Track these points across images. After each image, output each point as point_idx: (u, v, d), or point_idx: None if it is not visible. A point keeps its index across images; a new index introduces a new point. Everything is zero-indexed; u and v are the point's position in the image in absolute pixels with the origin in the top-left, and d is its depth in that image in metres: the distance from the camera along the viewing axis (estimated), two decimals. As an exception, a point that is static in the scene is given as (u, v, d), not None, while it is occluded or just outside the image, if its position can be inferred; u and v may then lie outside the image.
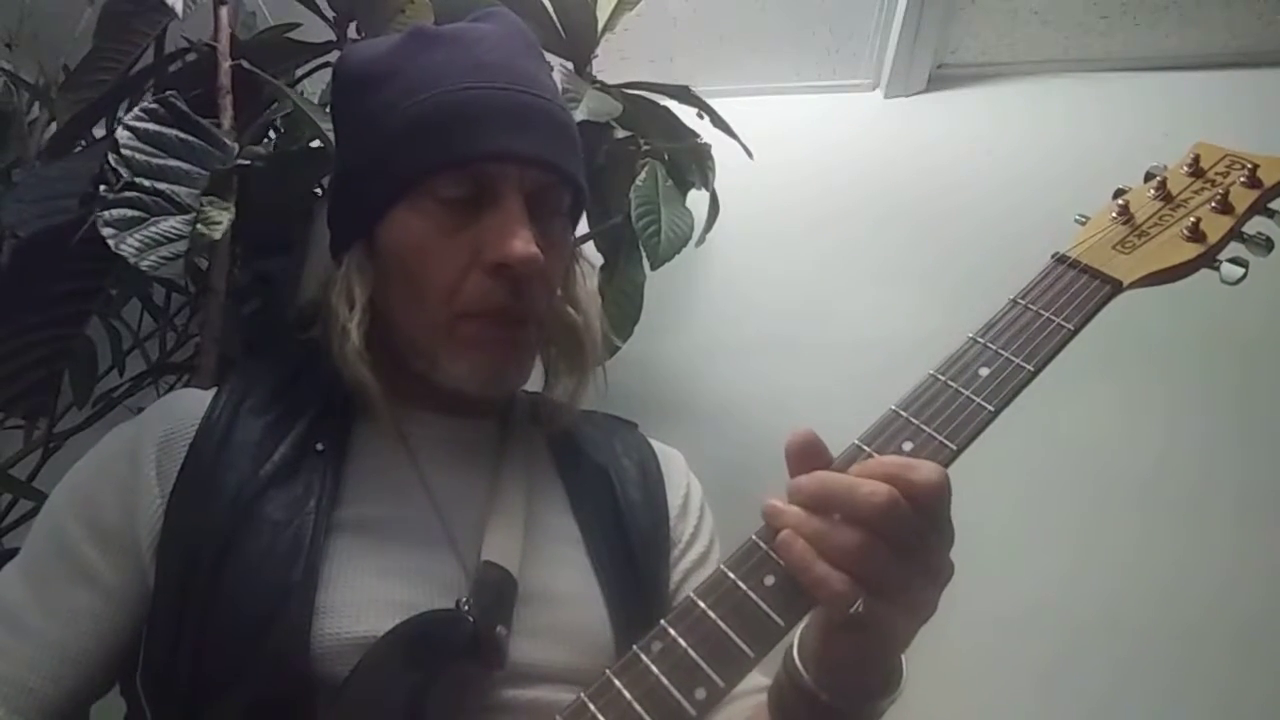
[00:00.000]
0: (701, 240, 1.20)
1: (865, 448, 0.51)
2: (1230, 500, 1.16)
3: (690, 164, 1.22)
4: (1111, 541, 1.16)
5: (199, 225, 0.82)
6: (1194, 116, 1.34)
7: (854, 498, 0.45)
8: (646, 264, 1.10)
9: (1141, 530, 1.16)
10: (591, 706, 0.46)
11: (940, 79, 1.52)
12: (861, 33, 1.50)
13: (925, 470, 0.46)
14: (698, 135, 1.23)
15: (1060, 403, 1.19)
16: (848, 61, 1.55)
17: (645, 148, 1.17)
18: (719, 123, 1.22)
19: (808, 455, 0.50)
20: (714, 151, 1.24)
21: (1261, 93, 1.36)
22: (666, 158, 1.18)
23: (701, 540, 0.77)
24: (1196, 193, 0.63)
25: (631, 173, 1.13)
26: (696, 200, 1.21)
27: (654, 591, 0.70)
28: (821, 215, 1.44)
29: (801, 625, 0.52)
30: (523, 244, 0.63)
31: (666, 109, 1.21)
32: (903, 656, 0.53)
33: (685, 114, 1.23)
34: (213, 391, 0.70)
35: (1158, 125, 1.32)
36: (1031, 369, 0.52)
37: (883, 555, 0.45)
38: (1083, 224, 0.64)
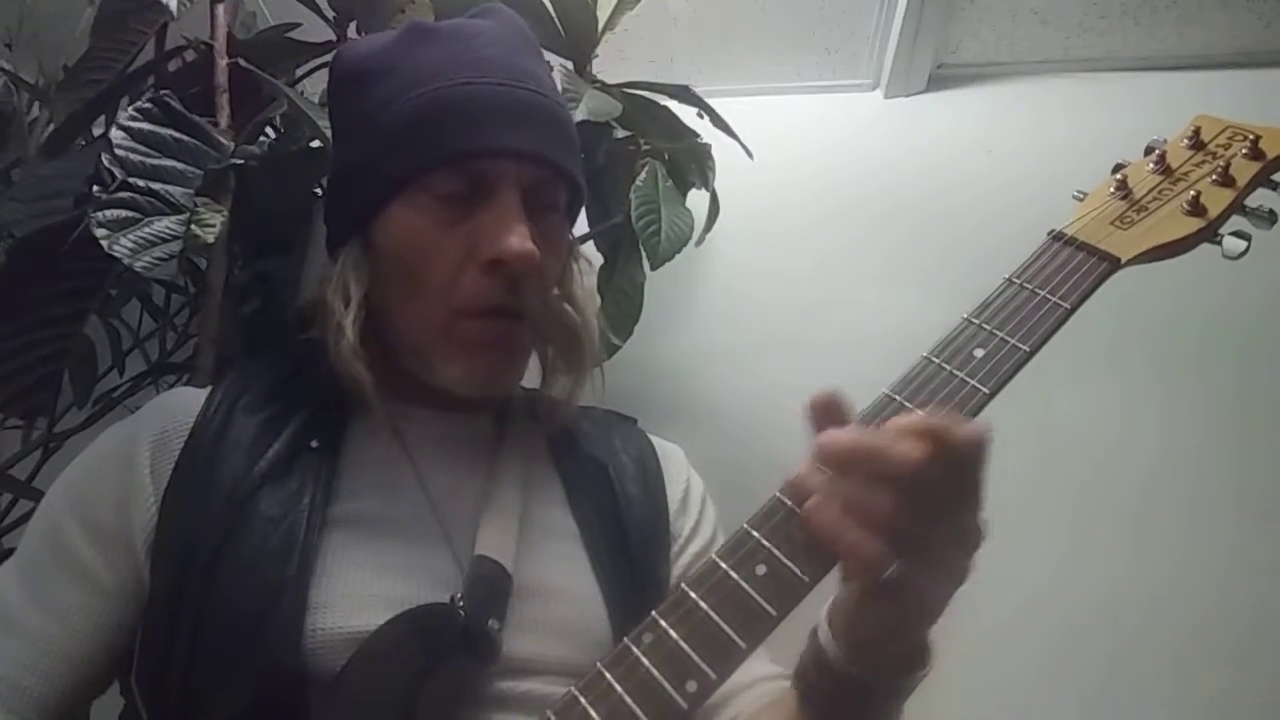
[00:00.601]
0: (701, 240, 1.20)
1: (899, 402, 0.50)
2: (1228, 497, 1.15)
3: (690, 164, 1.22)
4: (1109, 538, 1.16)
5: (192, 226, 0.81)
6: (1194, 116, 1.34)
7: (888, 457, 0.43)
8: (646, 264, 1.10)
9: (1139, 527, 1.16)
10: (582, 700, 0.46)
11: (940, 79, 1.52)
12: (861, 33, 1.50)
13: (966, 428, 0.44)
14: (698, 135, 1.23)
15: (1058, 398, 1.19)
16: (848, 61, 1.54)
17: (645, 148, 1.17)
18: (719, 123, 1.22)
19: (832, 415, 0.48)
20: (714, 151, 1.24)
21: (1261, 93, 1.36)
22: (666, 158, 1.18)
23: (703, 534, 0.77)
24: (1197, 166, 0.61)
25: (631, 173, 1.13)
26: (696, 200, 1.21)
27: (652, 587, 0.70)
28: (821, 215, 1.44)
29: (827, 603, 0.52)
30: (519, 240, 0.62)
31: (666, 109, 1.21)
32: (929, 636, 0.52)
33: (685, 114, 1.23)
34: (208, 390, 0.70)
35: (1157, 125, 1.32)
36: (1027, 349, 0.51)
37: (914, 518, 0.43)
38: (1081, 200, 0.62)
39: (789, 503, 0.48)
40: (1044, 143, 1.40)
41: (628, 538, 0.71)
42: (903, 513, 0.43)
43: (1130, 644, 1.11)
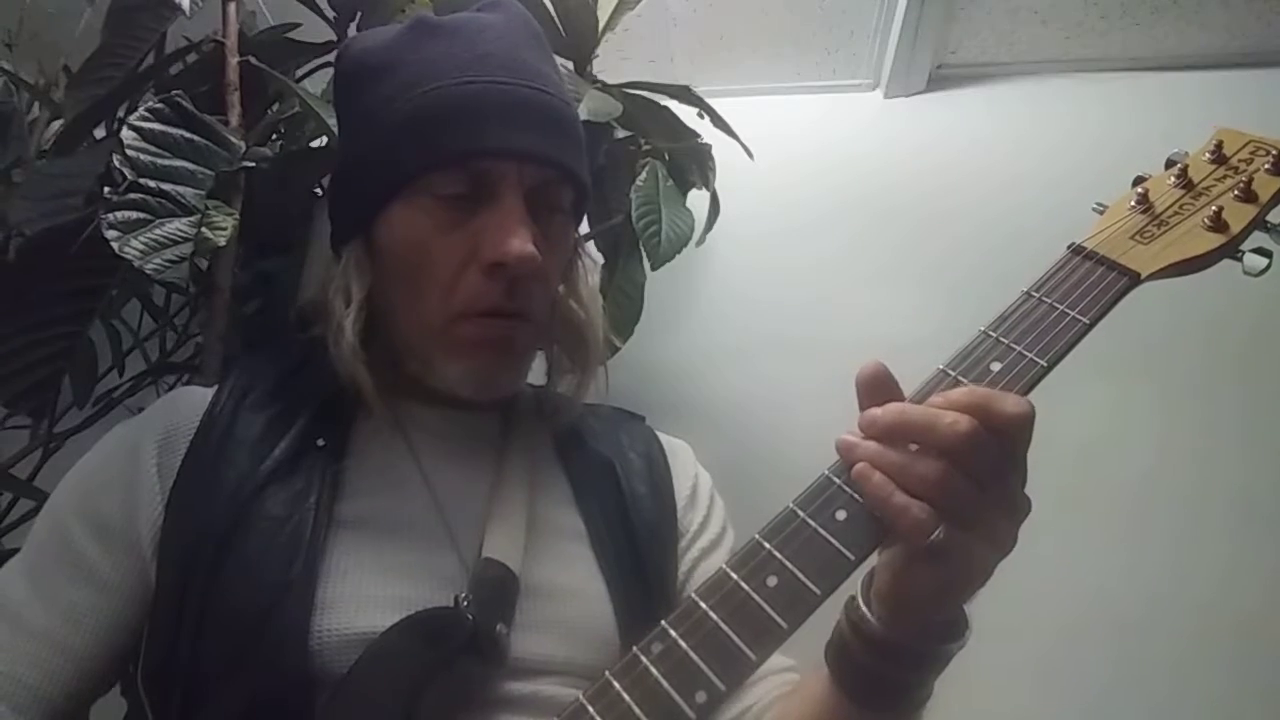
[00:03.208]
0: (701, 240, 1.20)
1: (948, 376, 0.50)
2: (1227, 500, 1.15)
3: (690, 164, 1.22)
4: (1108, 541, 1.16)
5: (204, 230, 0.81)
6: (1194, 116, 1.34)
7: (936, 427, 0.45)
8: (647, 264, 1.10)
9: (1138, 530, 1.16)
10: (591, 709, 0.46)
11: (940, 79, 1.52)
12: (861, 33, 1.50)
13: (1012, 401, 0.46)
14: (698, 135, 1.23)
15: (1057, 401, 1.19)
16: (848, 61, 1.55)
17: (645, 148, 1.17)
18: (719, 123, 1.22)
19: (879, 388, 0.49)
20: (714, 151, 1.24)
21: (1261, 93, 1.36)
22: (667, 158, 1.19)
23: (712, 528, 0.76)
24: (1219, 180, 0.60)
25: (632, 173, 1.13)
26: (696, 200, 1.21)
27: (660, 585, 0.70)
28: (821, 215, 1.44)
29: (866, 573, 0.52)
30: (520, 243, 0.62)
31: (667, 109, 1.21)
32: (965, 608, 0.52)
33: (685, 114, 1.23)
34: (214, 388, 0.69)
35: (1157, 125, 1.32)
36: (1044, 364, 0.51)
37: (962, 484, 0.45)
38: (1100, 213, 0.62)
39: (801, 514, 0.48)
40: (1044, 143, 1.40)
41: (635, 537, 0.70)
42: (951, 480, 0.44)
43: (1130, 647, 1.11)
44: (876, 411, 0.48)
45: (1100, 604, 1.14)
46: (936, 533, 0.44)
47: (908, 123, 1.50)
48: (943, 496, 0.44)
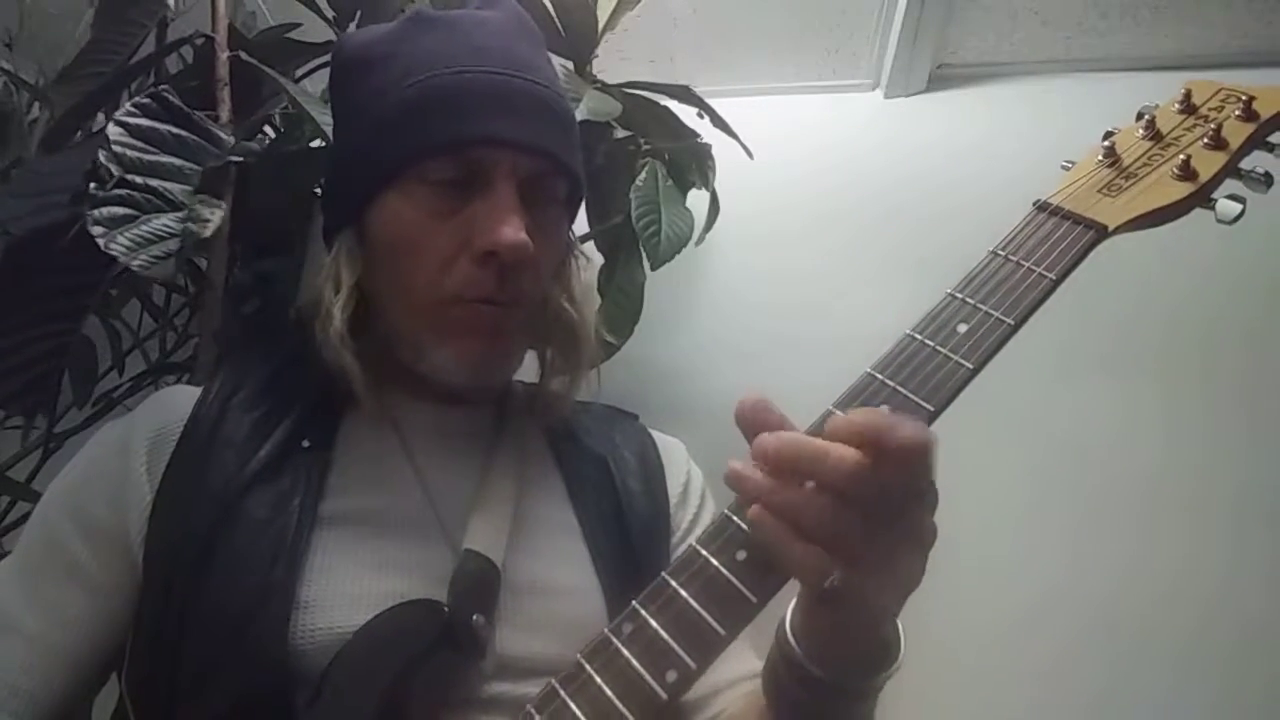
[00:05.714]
0: (701, 240, 1.20)
1: (838, 414, 0.47)
2: (1230, 501, 1.15)
3: (690, 164, 1.22)
4: (1110, 542, 1.16)
5: (189, 225, 0.80)
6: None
7: (823, 464, 0.42)
8: (646, 264, 1.10)
9: (1141, 531, 1.16)
10: (562, 693, 0.46)
11: (940, 79, 1.52)
12: (861, 33, 1.50)
13: (907, 429, 0.41)
14: (698, 135, 1.23)
15: (1059, 401, 1.19)
16: (848, 61, 1.54)
17: (645, 148, 1.17)
18: (719, 123, 1.22)
19: (762, 420, 0.46)
20: (714, 151, 1.24)
21: (1261, 93, 1.36)
22: (667, 158, 1.18)
23: (701, 527, 0.75)
24: (1188, 130, 0.60)
25: (631, 173, 1.13)
26: (696, 200, 1.21)
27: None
28: (821, 215, 1.43)
29: (792, 600, 0.51)
30: (512, 231, 0.62)
31: (666, 109, 1.21)
32: (900, 629, 0.50)
33: (685, 114, 1.23)
34: (202, 388, 0.69)
35: (1158, 125, 1.32)
36: (1012, 323, 0.50)
37: (856, 525, 0.42)
38: (1069, 169, 0.61)
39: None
40: (1044, 143, 1.39)
41: (629, 533, 0.70)
42: (843, 519, 0.42)
43: (1132, 648, 1.11)
44: (768, 439, 0.44)
45: (1101, 604, 1.13)
46: (832, 579, 0.41)
47: (908, 123, 1.50)
48: (834, 538, 0.42)
